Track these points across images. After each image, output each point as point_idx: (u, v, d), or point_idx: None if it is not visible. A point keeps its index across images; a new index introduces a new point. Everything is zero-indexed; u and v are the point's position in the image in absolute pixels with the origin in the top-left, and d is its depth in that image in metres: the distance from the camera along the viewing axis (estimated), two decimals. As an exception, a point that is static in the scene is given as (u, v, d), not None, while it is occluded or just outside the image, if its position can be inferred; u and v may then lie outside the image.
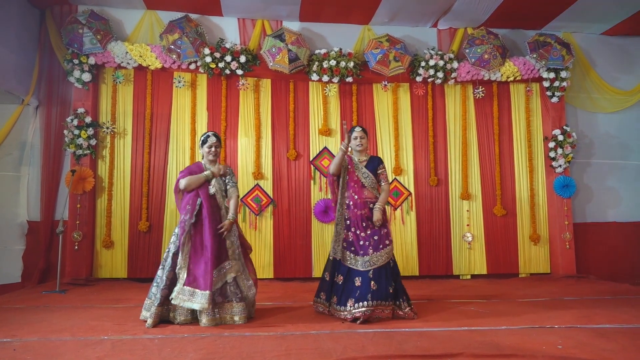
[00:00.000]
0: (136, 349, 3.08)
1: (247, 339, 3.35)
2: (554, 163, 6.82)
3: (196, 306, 3.65)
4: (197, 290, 3.68)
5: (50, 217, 6.14)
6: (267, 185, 6.54)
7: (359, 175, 4.19)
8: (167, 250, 3.91)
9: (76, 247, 6.05)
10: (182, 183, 3.90)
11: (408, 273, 6.55)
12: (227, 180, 4.07)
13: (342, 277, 4.05)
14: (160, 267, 3.89)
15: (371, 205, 4.13)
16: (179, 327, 3.68)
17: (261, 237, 6.45)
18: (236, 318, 3.78)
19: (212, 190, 3.93)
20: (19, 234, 6.15)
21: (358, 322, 3.75)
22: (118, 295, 5.11)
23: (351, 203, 4.17)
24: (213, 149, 4.02)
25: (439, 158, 6.86)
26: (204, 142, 4.05)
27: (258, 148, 6.57)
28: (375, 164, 4.25)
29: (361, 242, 4.05)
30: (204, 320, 3.68)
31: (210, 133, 4.07)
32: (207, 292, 3.64)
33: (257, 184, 6.50)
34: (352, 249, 4.09)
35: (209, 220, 3.81)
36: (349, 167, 4.24)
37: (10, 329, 3.61)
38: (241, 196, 6.43)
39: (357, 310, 3.81)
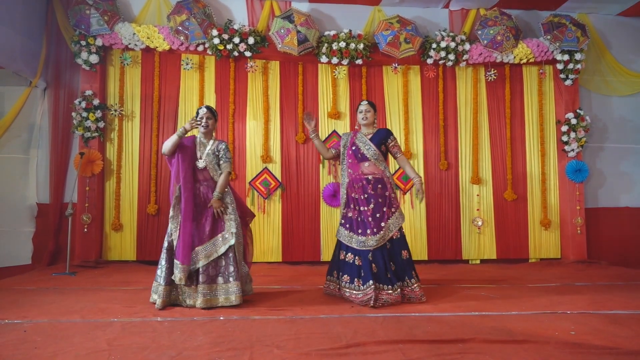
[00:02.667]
0: (146, 332, 3.08)
1: (257, 322, 3.34)
2: (566, 147, 6.72)
3: (175, 278, 3.68)
4: (177, 262, 3.71)
5: (59, 199, 6.15)
6: (276, 169, 6.50)
7: (362, 148, 4.13)
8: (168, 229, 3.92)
9: (85, 230, 6.07)
10: (163, 147, 3.90)
11: (417, 257, 6.48)
12: (220, 155, 3.99)
13: (351, 256, 4.03)
14: (163, 248, 3.90)
15: (370, 177, 4.07)
16: (188, 310, 3.68)
17: (270, 220, 6.43)
18: (232, 297, 3.74)
19: (201, 164, 3.91)
20: (28, 216, 6.18)
21: (370, 304, 3.73)
22: (127, 278, 5.13)
23: (348, 180, 4.16)
24: (204, 119, 3.95)
25: (449, 142, 6.77)
26: (196, 115, 4.00)
27: (266, 131, 6.52)
28: (382, 136, 4.18)
29: (357, 219, 4.01)
30: (199, 301, 3.67)
31: (203, 106, 4.05)
32: (183, 265, 3.67)
33: (266, 168, 6.47)
34: (348, 225, 4.07)
35: (185, 196, 3.78)
36: (347, 144, 4.22)
37: (21, 310, 3.63)
38: (249, 180, 6.41)
39: (368, 290, 3.80)
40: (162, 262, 3.82)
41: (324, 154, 4.39)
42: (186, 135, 3.90)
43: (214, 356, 2.62)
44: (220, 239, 3.84)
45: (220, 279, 3.78)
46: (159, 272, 3.83)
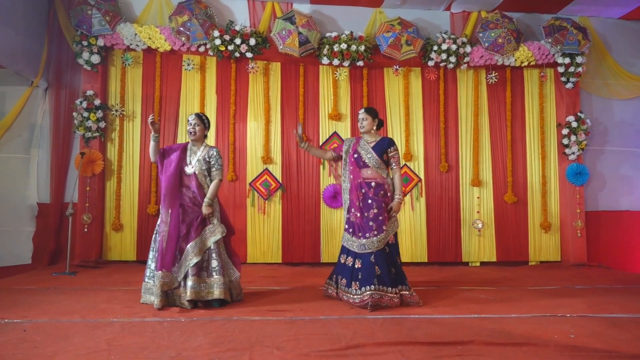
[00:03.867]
0: (145, 332, 3.08)
1: (256, 323, 3.34)
2: (567, 150, 6.72)
3: (156, 282, 3.73)
4: (158, 272, 3.74)
5: (59, 199, 6.16)
6: (276, 170, 6.51)
7: (363, 156, 4.13)
8: (155, 229, 3.96)
9: (85, 230, 6.08)
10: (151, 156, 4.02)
11: (417, 259, 6.53)
12: (212, 162, 4.01)
13: (351, 259, 4.03)
14: (150, 249, 3.93)
15: (373, 184, 4.07)
16: (187, 310, 3.68)
17: (270, 221, 6.44)
18: (215, 292, 3.77)
19: (189, 170, 3.95)
20: (29, 215, 6.18)
21: (368, 308, 3.72)
22: (127, 278, 5.13)
23: (349, 185, 4.17)
24: (190, 127, 4.02)
25: (449, 144, 6.78)
26: (188, 122, 4.07)
27: (267, 132, 6.52)
28: (384, 145, 4.16)
29: (359, 223, 4.01)
30: (188, 293, 3.72)
31: (194, 114, 4.09)
32: (160, 272, 3.71)
33: (266, 169, 6.47)
34: (351, 230, 4.08)
35: (170, 201, 3.85)
36: (350, 150, 4.21)
37: (21, 310, 3.63)
38: (250, 180, 6.41)
39: (365, 294, 3.79)
40: (155, 262, 3.83)
41: (322, 156, 4.41)
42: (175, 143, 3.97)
43: (213, 357, 2.63)
44: (209, 232, 3.89)
45: (204, 274, 3.83)
46: (147, 272, 3.87)
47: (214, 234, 3.88)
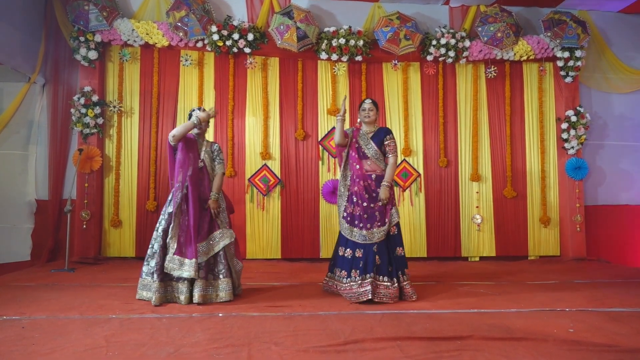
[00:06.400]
0: (144, 328, 3.08)
1: (255, 319, 3.34)
2: (566, 144, 6.71)
3: (185, 274, 3.72)
4: (185, 259, 3.75)
5: (58, 196, 6.14)
6: (275, 166, 6.49)
7: (363, 147, 4.15)
8: (157, 226, 3.91)
9: (84, 226, 6.07)
10: (170, 135, 3.84)
11: (416, 254, 6.52)
12: (214, 156, 4.08)
13: (350, 251, 4.02)
14: (150, 245, 3.90)
15: (373, 176, 4.09)
16: (186, 306, 3.68)
17: (269, 217, 6.43)
18: (222, 294, 3.81)
19: (200, 163, 3.99)
20: (27, 212, 6.16)
21: (368, 297, 3.73)
22: (126, 274, 5.12)
23: (352, 174, 4.17)
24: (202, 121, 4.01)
25: (449, 139, 6.76)
26: (189, 117, 4.02)
27: (266, 128, 6.50)
28: (381, 135, 4.18)
29: (360, 214, 4.01)
30: (195, 296, 3.72)
31: (196, 108, 4.07)
32: (193, 260, 3.72)
33: (265, 164, 6.46)
34: (349, 219, 4.08)
35: (192, 191, 3.84)
36: (353, 139, 4.22)
37: (19, 306, 3.62)
38: (248, 176, 6.40)
39: (365, 282, 3.80)
40: (157, 259, 3.79)
41: (340, 139, 4.25)
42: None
43: (211, 353, 2.62)
44: (218, 237, 3.90)
45: (210, 276, 3.85)
46: (145, 269, 3.86)
47: (222, 239, 3.90)
